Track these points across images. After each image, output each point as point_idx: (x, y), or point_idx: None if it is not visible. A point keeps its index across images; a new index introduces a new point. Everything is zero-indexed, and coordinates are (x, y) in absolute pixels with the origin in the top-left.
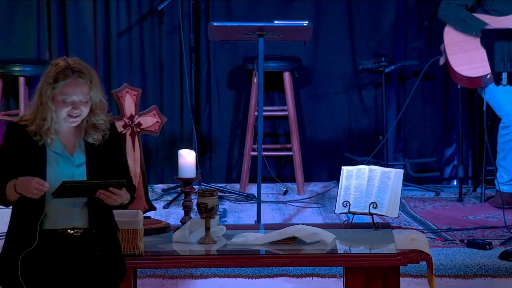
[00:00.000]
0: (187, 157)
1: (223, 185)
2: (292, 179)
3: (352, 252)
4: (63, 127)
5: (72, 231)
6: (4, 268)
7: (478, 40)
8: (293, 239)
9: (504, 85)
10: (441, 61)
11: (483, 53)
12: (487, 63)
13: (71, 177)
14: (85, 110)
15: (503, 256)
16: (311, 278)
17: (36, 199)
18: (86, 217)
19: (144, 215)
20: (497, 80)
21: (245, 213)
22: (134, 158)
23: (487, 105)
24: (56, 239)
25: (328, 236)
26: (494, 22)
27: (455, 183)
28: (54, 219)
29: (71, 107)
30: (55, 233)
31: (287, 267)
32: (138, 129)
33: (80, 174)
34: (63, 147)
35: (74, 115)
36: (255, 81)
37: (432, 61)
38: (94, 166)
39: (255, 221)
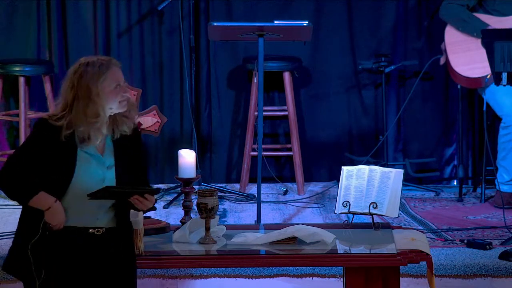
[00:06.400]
0: (187, 157)
1: (223, 185)
2: (292, 179)
3: (352, 252)
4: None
5: (93, 230)
6: (16, 258)
7: (479, 40)
8: (293, 239)
9: (504, 85)
10: (442, 60)
11: (483, 53)
12: (487, 63)
13: (102, 179)
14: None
15: (503, 256)
16: (311, 278)
17: (49, 193)
18: (109, 217)
19: (144, 215)
20: (497, 80)
21: (245, 213)
22: None
23: (487, 105)
24: (78, 236)
25: (328, 236)
26: (495, 22)
27: (455, 183)
28: (77, 218)
29: (122, 92)
30: (77, 230)
31: (287, 267)
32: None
33: (110, 176)
34: (95, 148)
35: (125, 98)
36: (255, 81)
37: (432, 61)
38: (122, 168)
39: (255, 221)
